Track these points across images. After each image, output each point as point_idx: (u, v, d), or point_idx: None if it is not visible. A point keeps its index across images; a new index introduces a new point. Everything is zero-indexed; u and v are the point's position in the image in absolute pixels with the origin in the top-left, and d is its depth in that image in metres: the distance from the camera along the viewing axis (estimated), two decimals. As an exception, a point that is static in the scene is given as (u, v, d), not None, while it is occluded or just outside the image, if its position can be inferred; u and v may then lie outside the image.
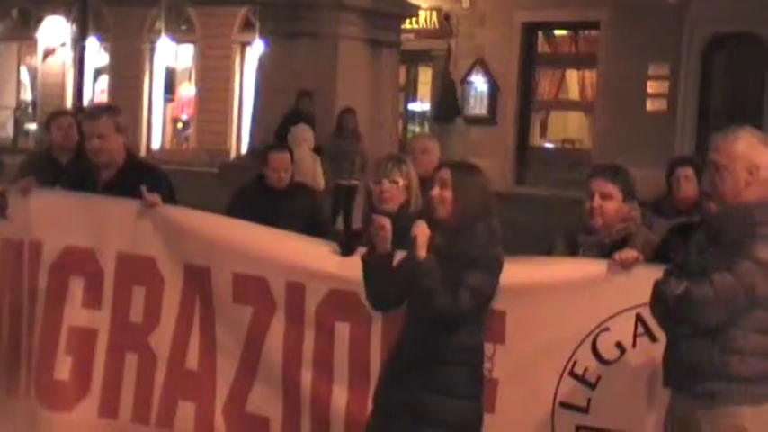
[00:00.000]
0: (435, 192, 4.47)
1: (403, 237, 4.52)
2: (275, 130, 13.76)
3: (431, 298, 4.30)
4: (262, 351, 5.57)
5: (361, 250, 5.00)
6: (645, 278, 4.62)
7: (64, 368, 5.88)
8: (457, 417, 4.41)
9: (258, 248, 5.57)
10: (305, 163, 11.52)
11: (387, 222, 4.50)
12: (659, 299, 4.28)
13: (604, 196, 5.12)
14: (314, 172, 11.82)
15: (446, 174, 4.49)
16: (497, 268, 4.45)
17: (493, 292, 4.46)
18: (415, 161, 7.24)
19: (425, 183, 6.96)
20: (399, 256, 4.52)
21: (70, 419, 5.88)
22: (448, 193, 4.45)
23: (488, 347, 4.73)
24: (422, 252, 4.32)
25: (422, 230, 4.35)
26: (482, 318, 4.48)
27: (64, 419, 5.88)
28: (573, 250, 5.24)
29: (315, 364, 5.44)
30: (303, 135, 11.99)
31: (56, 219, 5.96)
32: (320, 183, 12.30)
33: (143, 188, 5.75)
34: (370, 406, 4.74)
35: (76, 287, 5.90)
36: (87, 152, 6.22)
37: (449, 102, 24.65)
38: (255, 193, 6.86)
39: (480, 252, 4.38)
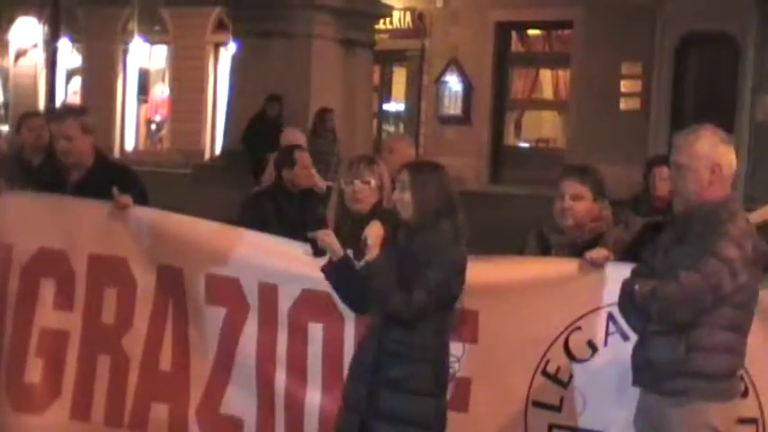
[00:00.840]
0: (396, 194, 4.52)
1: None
2: (243, 135, 13.66)
3: (383, 298, 4.36)
4: (235, 352, 5.56)
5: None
6: (616, 277, 4.65)
7: (35, 371, 5.85)
8: (416, 413, 4.43)
9: (231, 250, 5.56)
10: None
11: (328, 233, 4.58)
12: (627, 297, 4.30)
13: (575, 197, 5.15)
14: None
15: (404, 175, 4.54)
16: (458, 267, 4.46)
17: (455, 291, 4.47)
18: (384, 160, 7.39)
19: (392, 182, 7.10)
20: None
21: (42, 422, 5.84)
22: (407, 195, 4.49)
23: (458, 348, 4.74)
24: (372, 253, 4.36)
25: (373, 231, 4.40)
26: (445, 316, 4.49)
27: (35, 423, 5.84)
28: (545, 250, 5.26)
29: (288, 365, 5.44)
30: (295, 137, 11.92)
31: (27, 221, 5.93)
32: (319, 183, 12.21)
33: (114, 189, 5.74)
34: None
35: (48, 289, 5.87)
36: (56, 153, 6.21)
37: None
38: (283, 196, 6.88)
39: (440, 251, 4.41)
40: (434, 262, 4.37)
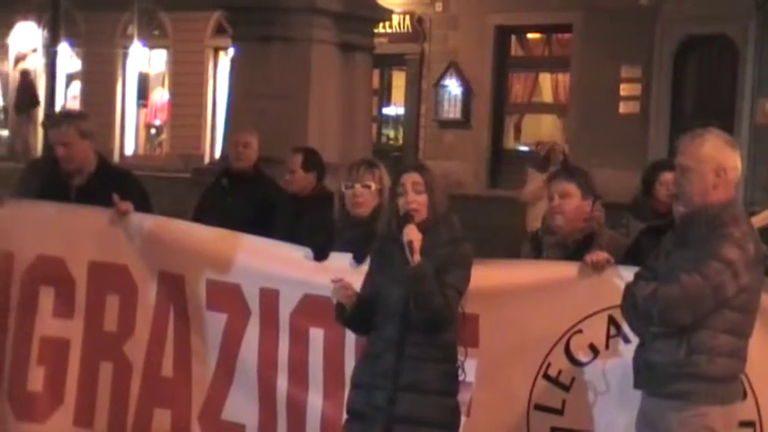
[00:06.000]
0: (411, 197, 4.51)
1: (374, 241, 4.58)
2: None
3: (428, 300, 4.36)
4: (237, 358, 5.57)
5: (335, 255, 5.02)
6: (616, 280, 4.68)
7: (37, 379, 5.85)
8: (438, 413, 4.46)
9: (231, 255, 5.57)
10: None
11: (345, 282, 4.54)
12: (629, 301, 4.31)
13: (563, 195, 5.24)
14: None
15: (418, 178, 4.54)
16: (470, 264, 4.53)
17: (467, 289, 4.53)
18: (238, 155, 7.43)
19: (245, 176, 7.21)
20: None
21: (45, 430, 5.84)
22: (423, 198, 4.52)
23: (461, 352, 4.74)
24: (417, 257, 4.37)
25: (415, 235, 4.40)
26: (458, 314, 4.54)
27: (39, 431, 5.84)
28: (538, 252, 5.31)
29: (290, 370, 5.45)
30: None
31: (27, 229, 5.94)
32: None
33: (115, 196, 5.74)
34: (345, 412, 4.73)
35: (47, 297, 5.87)
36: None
37: (27, 93, 26.46)
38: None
39: (452, 250, 4.47)
40: (454, 261, 4.45)
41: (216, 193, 7.55)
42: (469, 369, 4.87)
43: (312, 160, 7.17)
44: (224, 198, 7.36)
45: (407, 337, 4.45)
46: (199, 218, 6.97)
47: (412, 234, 4.40)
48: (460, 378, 4.62)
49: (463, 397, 4.73)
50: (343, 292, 4.54)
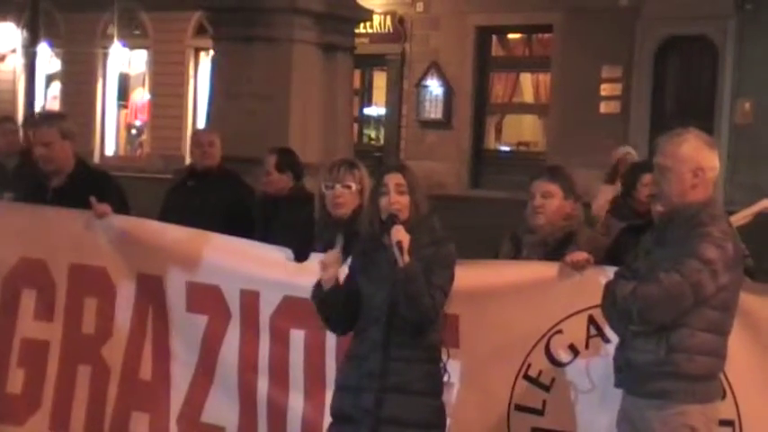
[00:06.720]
0: (394, 198, 4.49)
1: (356, 242, 4.55)
2: None
3: (417, 301, 4.34)
4: (217, 360, 5.54)
5: (316, 255, 5.00)
6: (596, 280, 4.68)
7: (16, 381, 5.82)
8: (424, 414, 4.44)
9: (211, 257, 5.54)
10: None
11: (331, 258, 4.51)
12: (609, 299, 4.32)
13: (545, 195, 5.25)
14: None
15: (400, 178, 4.52)
16: (453, 264, 4.51)
17: (451, 289, 4.52)
18: (203, 154, 7.40)
19: (211, 175, 7.29)
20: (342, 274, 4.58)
21: (23, 433, 5.82)
22: (405, 198, 4.50)
23: (444, 353, 4.75)
24: (407, 257, 4.35)
25: (404, 236, 4.37)
26: (442, 314, 4.54)
27: (16, 433, 5.82)
28: (518, 251, 5.31)
29: (270, 372, 5.42)
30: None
31: (7, 231, 5.90)
32: None
33: (92, 198, 5.71)
34: (326, 413, 4.71)
35: (29, 299, 5.85)
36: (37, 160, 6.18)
37: None
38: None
39: (435, 251, 4.45)
40: (438, 261, 4.43)
41: (182, 194, 7.48)
42: (452, 370, 4.87)
43: (286, 161, 7.13)
44: (192, 199, 7.28)
45: (393, 339, 4.43)
46: (166, 220, 6.90)
47: (400, 235, 4.37)
48: (444, 379, 4.61)
49: (447, 398, 4.72)
50: (325, 273, 4.50)
